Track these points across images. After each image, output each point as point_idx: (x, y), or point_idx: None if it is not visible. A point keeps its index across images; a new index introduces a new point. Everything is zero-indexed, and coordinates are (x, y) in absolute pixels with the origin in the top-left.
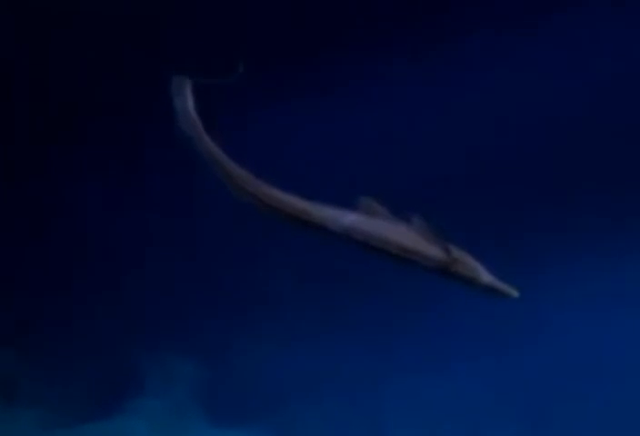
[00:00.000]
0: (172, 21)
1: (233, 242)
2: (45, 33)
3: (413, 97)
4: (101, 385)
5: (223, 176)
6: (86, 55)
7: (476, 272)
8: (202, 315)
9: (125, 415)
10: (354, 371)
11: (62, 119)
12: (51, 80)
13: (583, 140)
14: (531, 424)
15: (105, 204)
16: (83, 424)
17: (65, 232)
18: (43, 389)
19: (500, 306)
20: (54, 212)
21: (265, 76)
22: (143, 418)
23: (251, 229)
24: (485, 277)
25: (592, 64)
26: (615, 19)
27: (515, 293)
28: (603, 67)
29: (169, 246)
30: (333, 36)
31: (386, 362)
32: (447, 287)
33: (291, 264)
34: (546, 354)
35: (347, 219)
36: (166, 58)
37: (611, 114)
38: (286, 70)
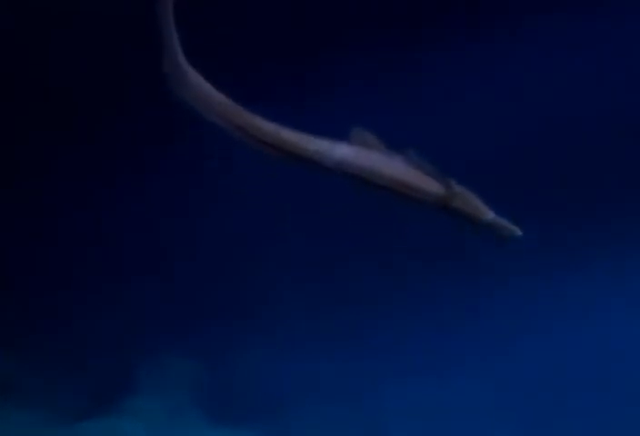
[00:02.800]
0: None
1: (233, 243)
2: (45, 33)
3: (414, 98)
4: (100, 385)
5: (199, 98)
6: (86, 55)
7: (478, 209)
8: (202, 316)
9: (124, 416)
10: (354, 373)
11: (62, 119)
12: (51, 80)
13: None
14: (534, 426)
15: (104, 204)
16: (81, 424)
17: (65, 232)
18: (41, 389)
19: (501, 306)
20: (54, 212)
21: (263, 76)
22: (141, 419)
23: (252, 229)
24: (487, 214)
25: None
26: (616, 19)
27: (518, 232)
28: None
29: (169, 246)
30: (333, 36)
31: (387, 364)
32: (447, 288)
33: (292, 266)
34: (549, 355)
35: (340, 152)
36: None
37: None
38: (286, 70)
